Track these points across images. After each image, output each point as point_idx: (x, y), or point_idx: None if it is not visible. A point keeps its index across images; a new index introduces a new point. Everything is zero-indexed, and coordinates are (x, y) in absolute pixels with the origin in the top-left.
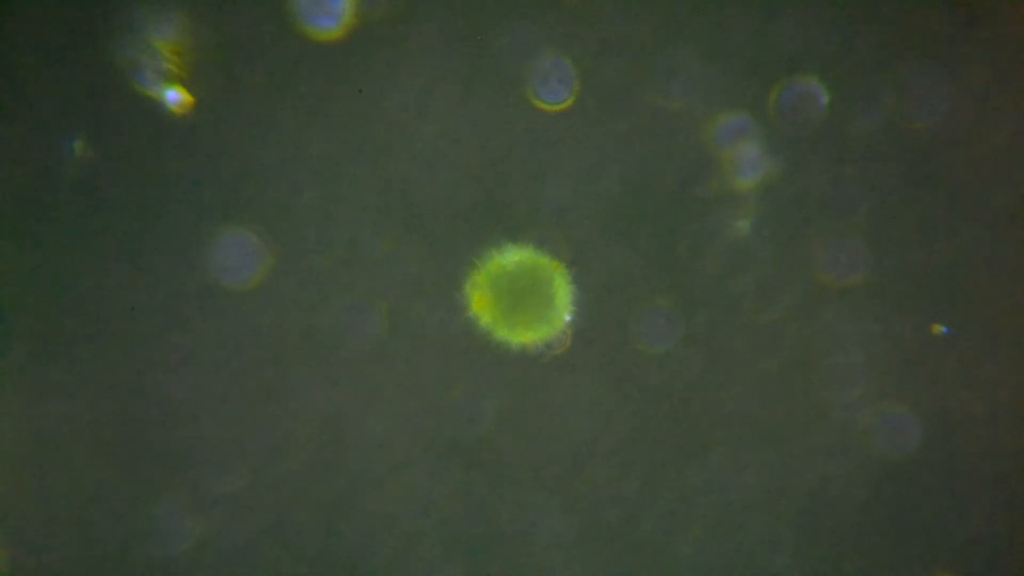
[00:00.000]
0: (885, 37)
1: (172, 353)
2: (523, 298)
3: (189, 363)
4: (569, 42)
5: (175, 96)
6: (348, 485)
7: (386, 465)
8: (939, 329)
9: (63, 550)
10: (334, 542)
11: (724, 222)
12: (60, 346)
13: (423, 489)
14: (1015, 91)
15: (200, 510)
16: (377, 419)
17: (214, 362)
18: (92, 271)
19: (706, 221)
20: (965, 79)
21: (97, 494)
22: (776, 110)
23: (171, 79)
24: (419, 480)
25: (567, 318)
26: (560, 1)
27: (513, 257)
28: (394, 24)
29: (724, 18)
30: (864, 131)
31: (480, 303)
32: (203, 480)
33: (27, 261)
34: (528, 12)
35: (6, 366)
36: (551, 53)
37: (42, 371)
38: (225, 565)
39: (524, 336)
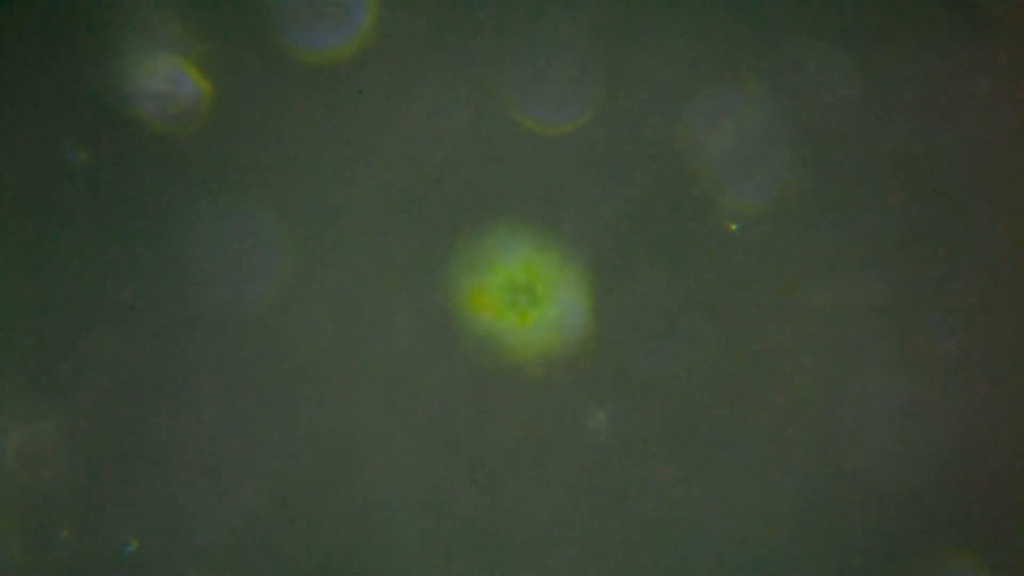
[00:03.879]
0: (885, 37)
1: (173, 357)
2: (527, 303)
3: (191, 367)
4: (576, 49)
5: (179, 99)
6: (349, 486)
7: (387, 468)
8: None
9: (63, 552)
10: (337, 543)
11: (738, 235)
12: (61, 351)
13: (426, 492)
14: (1015, 91)
15: (200, 511)
16: (378, 422)
17: (216, 367)
18: (94, 277)
19: (717, 231)
20: (965, 79)
21: (99, 500)
22: (777, 115)
23: (174, 81)
24: (422, 483)
25: (571, 321)
26: (569, 13)
27: (518, 263)
28: (399, 28)
29: (726, 29)
30: (864, 131)
31: (485, 308)
32: (202, 480)
33: (28, 264)
34: (533, 18)
35: (6, 369)
36: (555, 61)
37: (43, 376)
38: (227, 567)
39: (528, 340)
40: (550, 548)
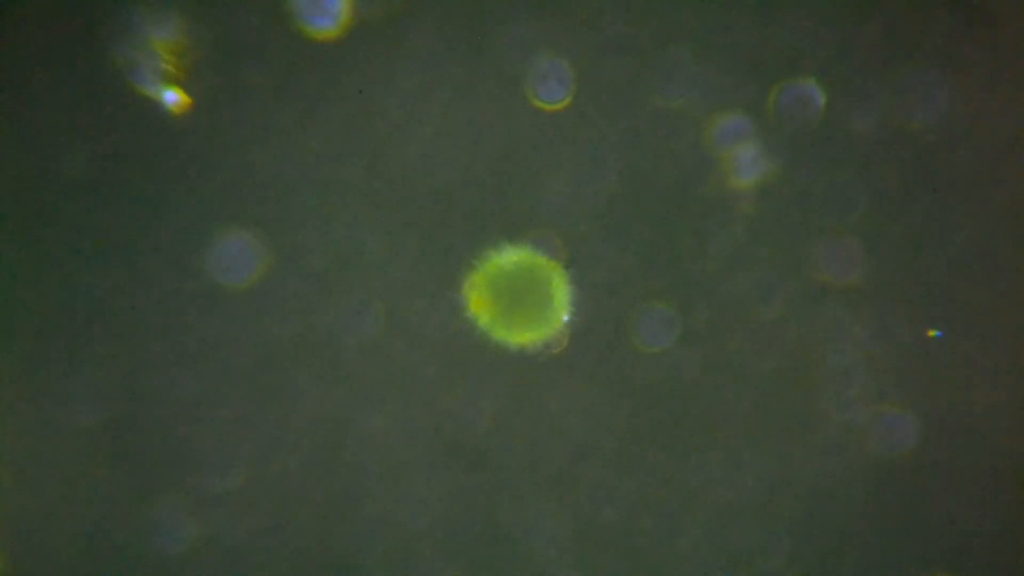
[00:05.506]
0: (885, 37)
1: (171, 353)
2: (521, 298)
3: (188, 363)
4: (568, 41)
5: (173, 96)
6: (347, 485)
7: (385, 465)
8: (933, 333)
9: (63, 550)
10: (333, 542)
11: (723, 222)
12: (60, 346)
13: (422, 489)
14: (1015, 91)
15: (199, 509)
16: (376, 419)
17: (213, 362)
18: (91, 272)
19: (705, 221)
20: (965, 79)
21: (97, 494)
22: (775, 110)
23: (169, 79)
24: (418, 480)
25: (565, 318)
26: (559, 0)
27: (511, 257)
28: (392, 23)
29: (723, 18)
30: (863, 131)
31: (478, 303)
32: (202, 479)
33: (27, 261)
34: (527, 11)
35: (6, 366)
36: (550, 52)
37: (42, 371)
38: (224, 565)
39: (522, 336)
40: (546, 544)
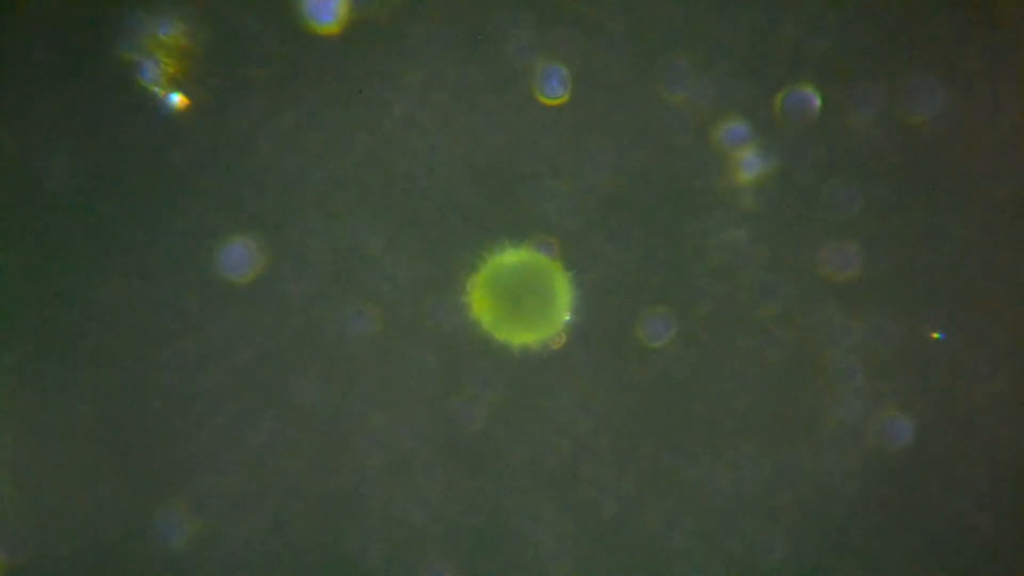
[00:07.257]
0: (885, 37)
1: (172, 352)
2: (522, 298)
3: (189, 362)
4: (569, 40)
5: (175, 96)
6: (348, 484)
7: (386, 464)
8: (936, 335)
9: (63, 549)
10: (334, 541)
11: (723, 221)
12: (60, 346)
13: (423, 487)
14: (1015, 91)
15: (200, 508)
16: (377, 418)
17: (214, 361)
18: (92, 271)
19: (704, 220)
20: (965, 78)
21: (97, 493)
22: (775, 109)
23: (171, 79)
24: (419, 479)
25: (566, 317)
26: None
27: (513, 257)
28: (393, 24)
29: (724, 17)
30: (863, 130)
31: (480, 303)
32: (202, 478)
33: (27, 260)
34: (528, 11)
35: (6, 366)
36: (550, 52)
37: (42, 371)
38: (225, 564)
39: (523, 335)
40: (546, 543)
